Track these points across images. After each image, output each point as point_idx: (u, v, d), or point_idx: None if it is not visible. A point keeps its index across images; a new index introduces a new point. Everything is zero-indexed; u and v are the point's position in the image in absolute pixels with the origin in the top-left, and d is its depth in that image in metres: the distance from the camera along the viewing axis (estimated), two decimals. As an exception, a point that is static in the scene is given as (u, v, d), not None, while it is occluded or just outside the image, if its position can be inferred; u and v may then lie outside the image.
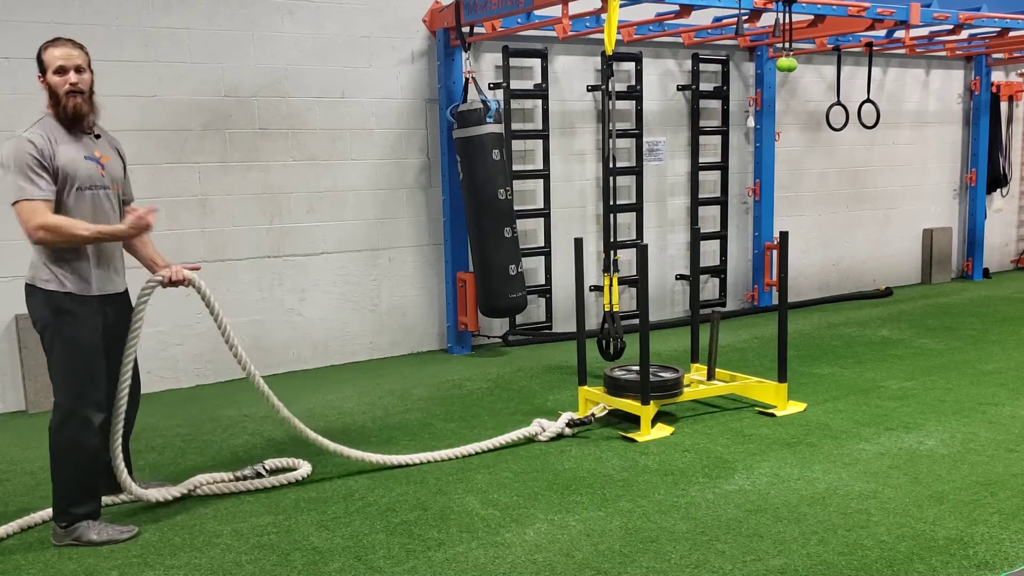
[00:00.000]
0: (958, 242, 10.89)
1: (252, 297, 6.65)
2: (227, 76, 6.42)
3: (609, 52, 5.26)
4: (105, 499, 4.04)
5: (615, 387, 5.29)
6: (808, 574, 3.37)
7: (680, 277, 8.72)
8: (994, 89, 10.64)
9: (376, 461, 4.59)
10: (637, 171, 8.25)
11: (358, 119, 6.95)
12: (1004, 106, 10.88)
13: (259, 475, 4.49)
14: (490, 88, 7.36)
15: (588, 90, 7.94)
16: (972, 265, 10.79)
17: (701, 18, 7.85)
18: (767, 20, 7.11)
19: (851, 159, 9.75)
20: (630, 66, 8.11)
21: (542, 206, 7.79)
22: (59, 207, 3.67)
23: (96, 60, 3.96)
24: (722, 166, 8.82)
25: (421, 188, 7.28)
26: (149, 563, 3.62)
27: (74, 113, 3.70)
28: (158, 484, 4.33)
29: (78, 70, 3.70)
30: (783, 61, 6.48)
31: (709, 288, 9.00)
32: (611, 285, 5.65)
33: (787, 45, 6.55)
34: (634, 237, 8.26)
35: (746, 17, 6.72)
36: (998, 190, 11.00)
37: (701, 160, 8.66)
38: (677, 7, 6.60)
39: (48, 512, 4.00)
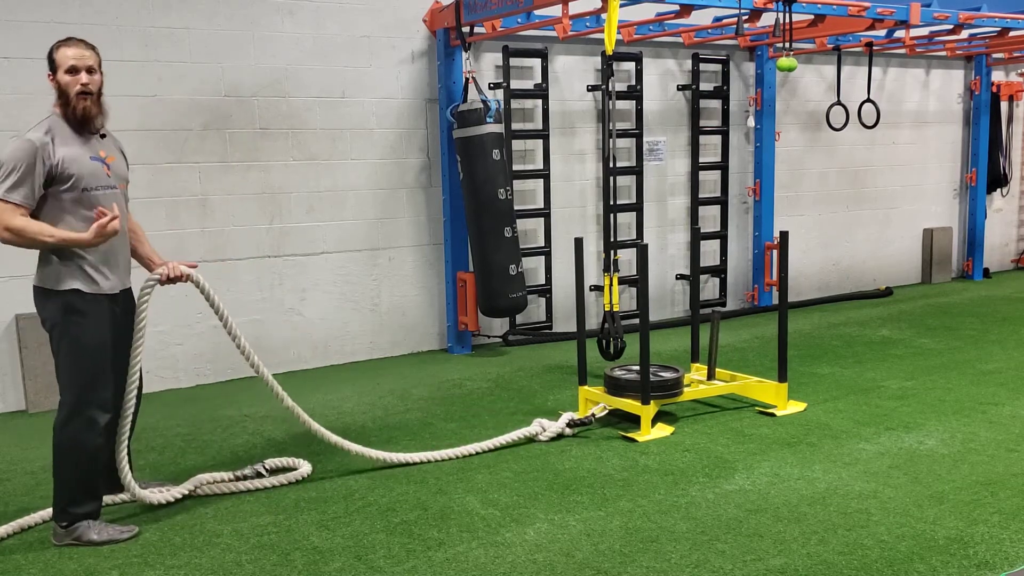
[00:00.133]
0: (958, 242, 10.89)
1: (252, 297, 6.65)
2: (227, 76, 6.42)
3: (609, 52, 5.26)
4: (105, 499, 4.04)
5: (615, 387, 5.29)
6: (808, 574, 3.37)
7: (680, 277, 8.72)
8: (994, 89, 10.64)
9: (377, 457, 4.59)
10: (637, 171, 8.25)
11: (358, 119, 6.95)
12: (1004, 106, 10.88)
13: (259, 475, 4.49)
14: (490, 88, 7.36)
15: (588, 90, 7.94)
16: (972, 265, 10.79)
17: (701, 18, 7.85)
18: (767, 20, 7.11)
19: (851, 159, 9.75)
20: (630, 66, 8.11)
21: (542, 206, 7.79)
22: (62, 207, 3.67)
23: (96, 60, 3.96)
24: (722, 166, 8.82)
25: (421, 188, 7.28)
26: (150, 563, 3.62)
27: (83, 115, 3.71)
28: (158, 484, 4.33)
29: (90, 71, 3.71)
30: (783, 61, 6.48)
31: (709, 288, 9.00)
32: (611, 285, 5.65)
33: (787, 45, 6.55)
34: (634, 237, 8.26)
35: (746, 17, 6.72)
36: (998, 190, 11.00)
37: (701, 160, 8.66)
38: (677, 7, 6.60)
39: (48, 512, 4.00)
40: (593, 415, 5.25)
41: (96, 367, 3.75)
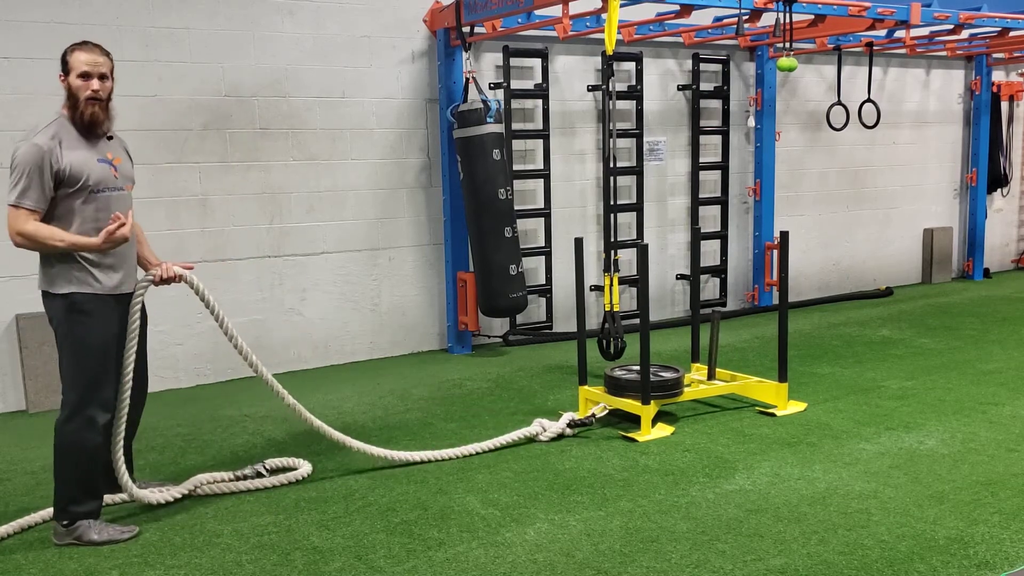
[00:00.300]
0: (958, 242, 10.89)
1: (252, 297, 6.65)
2: (227, 76, 6.42)
3: (609, 52, 5.26)
4: (105, 499, 4.04)
5: (615, 387, 5.29)
6: (808, 574, 3.37)
7: (680, 277, 8.72)
8: (994, 89, 10.64)
9: (378, 454, 4.59)
10: (637, 171, 8.25)
11: (358, 119, 6.95)
12: (1004, 106, 10.88)
13: (259, 475, 4.49)
14: (490, 88, 7.36)
15: (588, 90, 7.94)
16: (972, 265, 10.79)
17: (701, 18, 7.85)
18: (767, 20, 7.11)
19: (851, 159, 9.75)
20: (630, 66, 8.11)
21: (542, 206, 7.79)
22: (71, 209, 3.70)
23: (97, 60, 3.96)
24: (722, 166, 8.82)
25: (421, 188, 7.28)
26: (150, 563, 3.62)
27: (91, 120, 3.73)
28: (158, 484, 4.33)
29: (102, 78, 3.73)
30: (783, 61, 6.48)
31: (709, 288, 9.00)
32: (611, 285, 5.65)
33: (787, 45, 6.55)
34: (634, 237, 8.26)
35: (746, 17, 6.72)
36: (998, 190, 11.00)
37: (701, 160, 8.66)
38: (677, 7, 6.59)
39: (48, 512, 4.01)
40: (593, 415, 5.25)
41: (98, 367, 3.77)
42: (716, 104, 8.72)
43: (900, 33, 8.41)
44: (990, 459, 4.52)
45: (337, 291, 7.02)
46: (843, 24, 7.55)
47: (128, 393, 3.93)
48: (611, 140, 5.76)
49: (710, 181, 8.80)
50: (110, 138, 3.88)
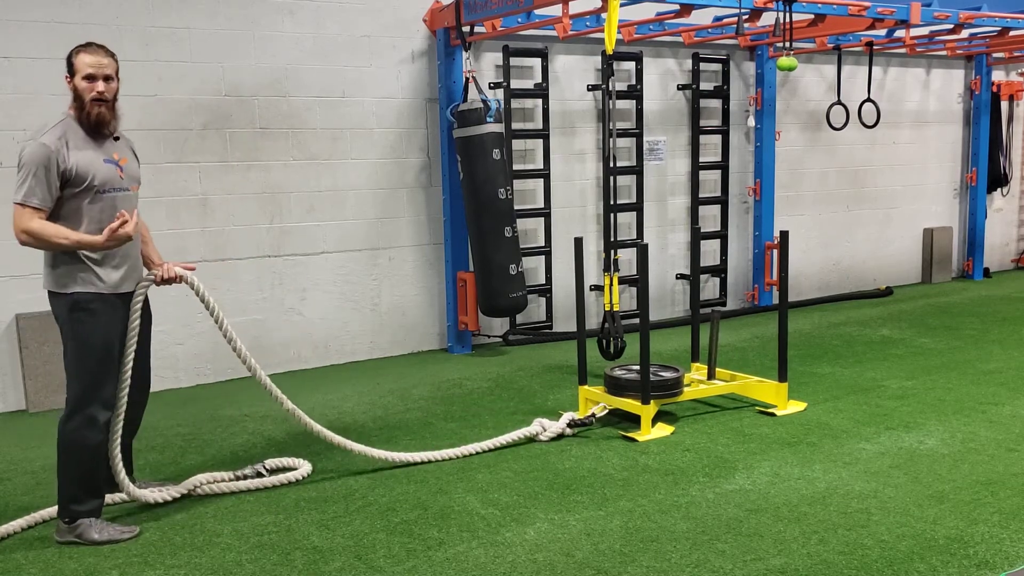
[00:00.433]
0: (958, 242, 10.89)
1: (252, 296, 6.65)
2: (227, 76, 6.42)
3: (609, 51, 5.25)
4: (106, 498, 4.04)
5: (615, 387, 5.29)
6: (808, 573, 3.37)
7: (680, 276, 8.72)
8: (994, 88, 10.64)
9: (378, 456, 4.59)
10: (637, 170, 8.25)
11: (358, 119, 6.95)
12: (1004, 105, 10.88)
13: (259, 474, 4.49)
14: (490, 87, 7.36)
15: (588, 89, 7.94)
16: (972, 265, 10.79)
17: (701, 17, 7.85)
18: (767, 19, 7.11)
19: (851, 158, 9.75)
20: (630, 65, 8.11)
21: (542, 205, 7.79)
22: (77, 209, 3.72)
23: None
24: (722, 165, 8.82)
25: (421, 187, 7.28)
26: (150, 562, 3.63)
27: (97, 121, 3.76)
28: (158, 484, 4.33)
29: (107, 79, 3.76)
30: (783, 60, 6.48)
31: (709, 287, 9.00)
32: (611, 284, 5.65)
33: (787, 44, 6.55)
34: (634, 236, 8.26)
35: (746, 16, 6.72)
36: (998, 189, 10.99)
37: (701, 159, 8.66)
38: (677, 7, 6.59)
39: (47, 512, 4.02)
40: (593, 415, 5.25)
41: (100, 365, 3.79)
42: (716, 104, 8.72)
43: (900, 33, 8.41)
44: (990, 459, 4.52)
45: (337, 291, 7.02)
46: (843, 24, 7.55)
47: (126, 391, 3.94)
48: (611, 140, 5.76)
49: (710, 181, 8.80)
50: (116, 138, 3.91)
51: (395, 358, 7.25)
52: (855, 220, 9.90)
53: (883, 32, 8.59)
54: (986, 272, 10.90)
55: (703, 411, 5.48)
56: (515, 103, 7.56)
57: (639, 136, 8.20)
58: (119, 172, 3.84)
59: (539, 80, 7.64)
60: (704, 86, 8.56)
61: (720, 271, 8.96)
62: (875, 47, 9.00)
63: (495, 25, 7.05)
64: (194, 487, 4.27)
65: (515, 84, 7.52)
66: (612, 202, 5.95)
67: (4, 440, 5.32)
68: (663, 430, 5.07)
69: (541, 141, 7.71)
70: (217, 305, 4.13)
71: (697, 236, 6.07)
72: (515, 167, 7.56)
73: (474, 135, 6.77)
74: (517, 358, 7.12)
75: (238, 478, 4.43)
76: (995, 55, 10.33)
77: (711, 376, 5.67)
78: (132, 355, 3.93)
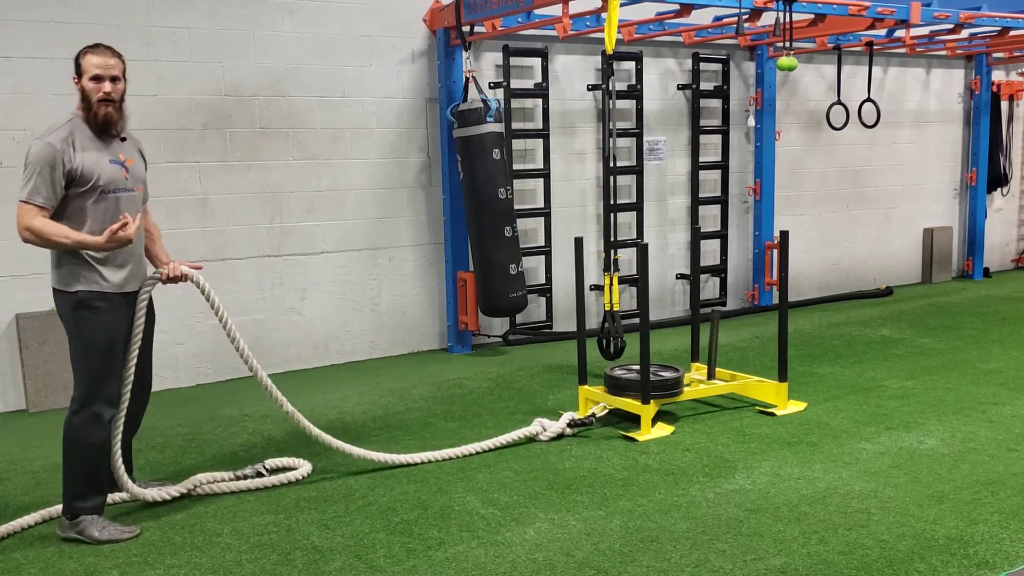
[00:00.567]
0: (958, 241, 10.89)
1: (252, 296, 6.66)
2: (228, 76, 6.42)
3: (609, 51, 5.25)
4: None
5: (615, 386, 5.29)
6: (808, 573, 3.37)
7: (680, 276, 8.72)
8: (994, 88, 10.64)
9: (378, 459, 4.59)
10: (637, 170, 8.25)
11: (358, 118, 6.95)
12: (1004, 105, 10.88)
13: (259, 474, 4.49)
14: (490, 87, 7.36)
15: (588, 89, 7.94)
16: (972, 264, 10.79)
17: (701, 17, 7.85)
18: (767, 19, 7.11)
19: (851, 158, 9.75)
20: (630, 65, 8.10)
21: (542, 205, 7.79)
22: (81, 209, 3.75)
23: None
24: (722, 165, 8.82)
25: (421, 187, 7.28)
26: (150, 562, 3.63)
27: (104, 121, 3.81)
28: (158, 484, 4.33)
29: (113, 80, 3.81)
30: (783, 60, 6.48)
31: (709, 287, 9.00)
32: (611, 284, 5.65)
33: (787, 44, 6.54)
34: (634, 236, 8.26)
35: (746, 16, 6.72)
36: (998, 189, 10.99)
37: (701, 159, 8.66)
38: (677, 6, 6.59)
39: (46, 512, 4.04)
40: (593, 415, 5.25)
41: (104, 363, 3.82)
42: (716, 103, 8.72)
43: (900, 32, 8.41)
44: (990, 459, 4.52)
45: (337, 291, 7.02)
46: (843, 23, 7.55)
47: (129, 390, 3.95)
48: (611, 139, 5.76)
49: (710, 181, 8.80)
50: (123, 139, 3.94)
51: (395, 358, 7.25)
52: (855, 220, 9.90)
53: (883, 32, 8.59)
54: (986, 272, 10.90)
55: (703, 411, 5.48)
56: (515, 103, 7.56)
57: (639, 136, 8.20)
58: (124, 173, 3.87)
59: (539, 80, 7.64)
60: (704, 86, 8.56)
61: (720, 271, 8.96)
62: (875, 47, 9.00)
63: (495, 25, 7.05)
64: (194, 487, 4.28)
65: (515, 84, 7.52)
66: (612, 202, 5.95)
67: (4, 440, 5.32)
68: (663, 430, 5.07)
69: (541, 141, 7.71)
70: (221, 303, 4.14)
71: (697, 236, 6.07)
72: (515, 167, 7.56)
73: (474, 135, 6.77)
74: (517, 358, 7.12)
75: (238, 478, 4.43)
76: (995, 55, 10.33)
77: (711, 376, 5.67)
78: (136, 353, 3.95)
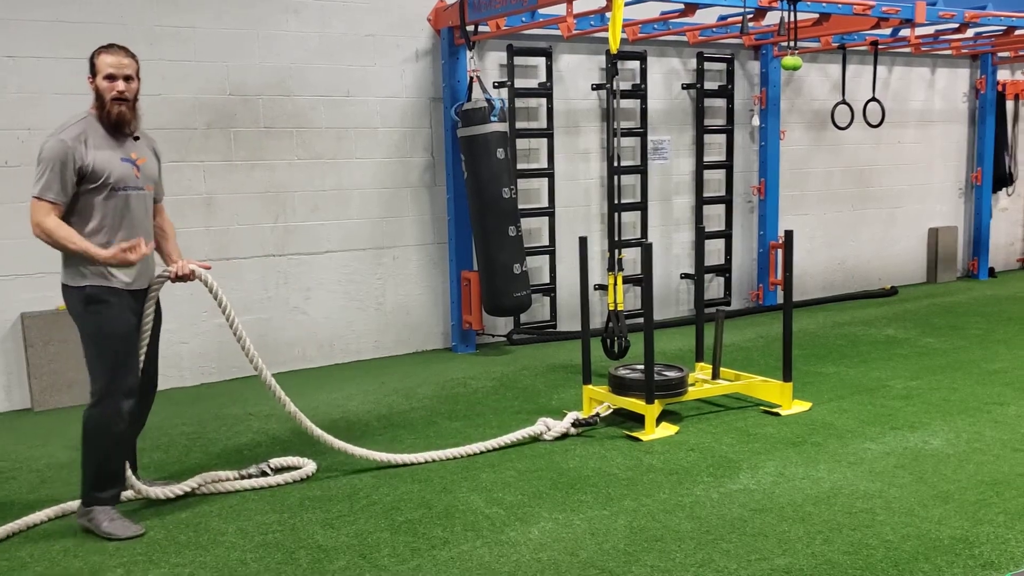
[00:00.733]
0: (963, 241, 10.87)
1: (257, 296, 6.66)
2: (232, 75, 6.43)
3: (614, 51, 5.25)
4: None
5: (620, 386, 5.29)
6: (813, 573, 3.37)
7: (685, 276, 8.71)
8: (1000, 88, 10.62)
9: (381, 460, 4.59)
10: (642, 170, 8.24)
11: (363, 118, 6.95)
12: (1010, 105, 10.85)
13: (264, 473, 4.50)
14: (494, 87, 7.36)
15: (593, 89, 7.93)
16: (977, 264, 10.77)
17: (706, 17, 7.84)
18: (772, 19, 7.09)
19: (856, 158, 9.73)
20: (635, 65, 8.10)
21: (546, 205, 7.78)
22: (91, 205, 3.79)
23: (101, 59, 3.98)
24: (727, 165, 8.81)
25: (425, 187, 7.28)
26: (154, 561, 3.63)
27: (117, 120, 3.85)
28: (162, 483, 4.34)
29: (127, 79, 3.84)
30: (788, 60, 6.47)
31: (714, 287, 8.99)
32: (616, 284, 5.65)
33: (792, 44, 6.54)
34: (639, 236, 8.25)
35: (751, 16, 6.71)
36: (1004, 189, 10.96)
37: (706, 159, 8.65)
38: (682, 6, 6.58)
39: (51, 511, 4.06)
40: (598, 414, 5.25)
41: (118, 355, 3.86)
42: (720, 103, 8.71)
43: (905, 32, 8.39)
44: (995, 459, 4.51)
45: (341, 290, 7.02)
46: (848, 23, 7.54)
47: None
48: (615, 139, 5.76)
49: (714, 180, 8.80)
50: (136, 138, 3.97)
51: (399, 357, 7.25)
52: (860, 220, 9.89)
53: (888, 31, 8.57)
54: (991, 272, 10.88)
55: (707, 411, 5.48)
56: (519, 102, 7.56)
57: (643, 135, 8.20)
58: (135, 171, 3.90)
59: (543, 79, 7.64)
60: (708, 85, 8.56)
61: (724, 270, 8.95)
62: (880, 46, 8.98)
63: (499, 24, 7.05)
64: (198, 486, 4.28)
65: (519, 83, 7.52)
66: (616, 201, 5.95)
67: (9, 438, 5.33)
68: (667, 430, 5.06)
69: (545, 140, 7.71)
70: (229, 303, 4.16)
71: (701, 235, 6.06)
72: (519, 166, 7.56)
73: (478, 134, 6.77)
74: (521, 357, 7.12)
75: (242, 477, 4.43)
76: (1000, 54, 10.31)
77: (715, 376, 5.66)
78: (144, 350, 3.99)
